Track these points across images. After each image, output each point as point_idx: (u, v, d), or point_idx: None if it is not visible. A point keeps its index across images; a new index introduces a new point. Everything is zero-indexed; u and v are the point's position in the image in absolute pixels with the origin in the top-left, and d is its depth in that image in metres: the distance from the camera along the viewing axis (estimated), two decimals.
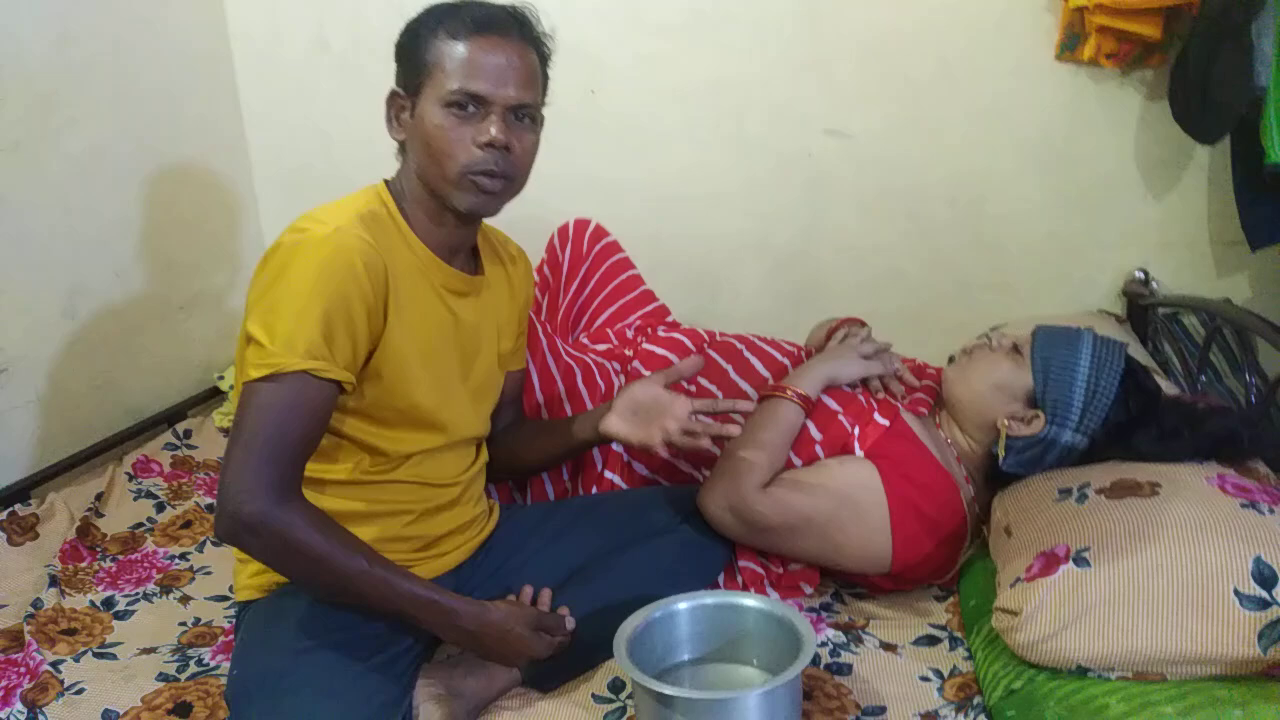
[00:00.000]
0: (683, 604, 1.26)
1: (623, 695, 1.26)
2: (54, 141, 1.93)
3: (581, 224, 1.86)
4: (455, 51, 1.21)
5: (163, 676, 1.36)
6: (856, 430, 1.48)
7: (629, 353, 1.71)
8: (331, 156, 2.39)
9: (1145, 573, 1.15)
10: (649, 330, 1.78)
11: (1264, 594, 1.11)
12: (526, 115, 1.26)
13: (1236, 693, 1.10)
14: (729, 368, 1.65)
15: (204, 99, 2.32)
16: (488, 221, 1.38)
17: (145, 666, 1.38)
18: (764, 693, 1.11)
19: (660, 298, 1.91)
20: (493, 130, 1.21)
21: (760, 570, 1.47)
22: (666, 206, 2.23)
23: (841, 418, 1.50)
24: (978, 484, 1.50)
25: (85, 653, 1.42)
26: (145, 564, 1.68)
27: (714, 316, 2.16)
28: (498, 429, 1.50)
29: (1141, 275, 2.07)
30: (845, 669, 1.30)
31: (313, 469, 1.21)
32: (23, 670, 1.36)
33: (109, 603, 1.56)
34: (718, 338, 1.73)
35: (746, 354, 1.67)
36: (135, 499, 1.89)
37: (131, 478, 1.94)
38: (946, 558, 1.45)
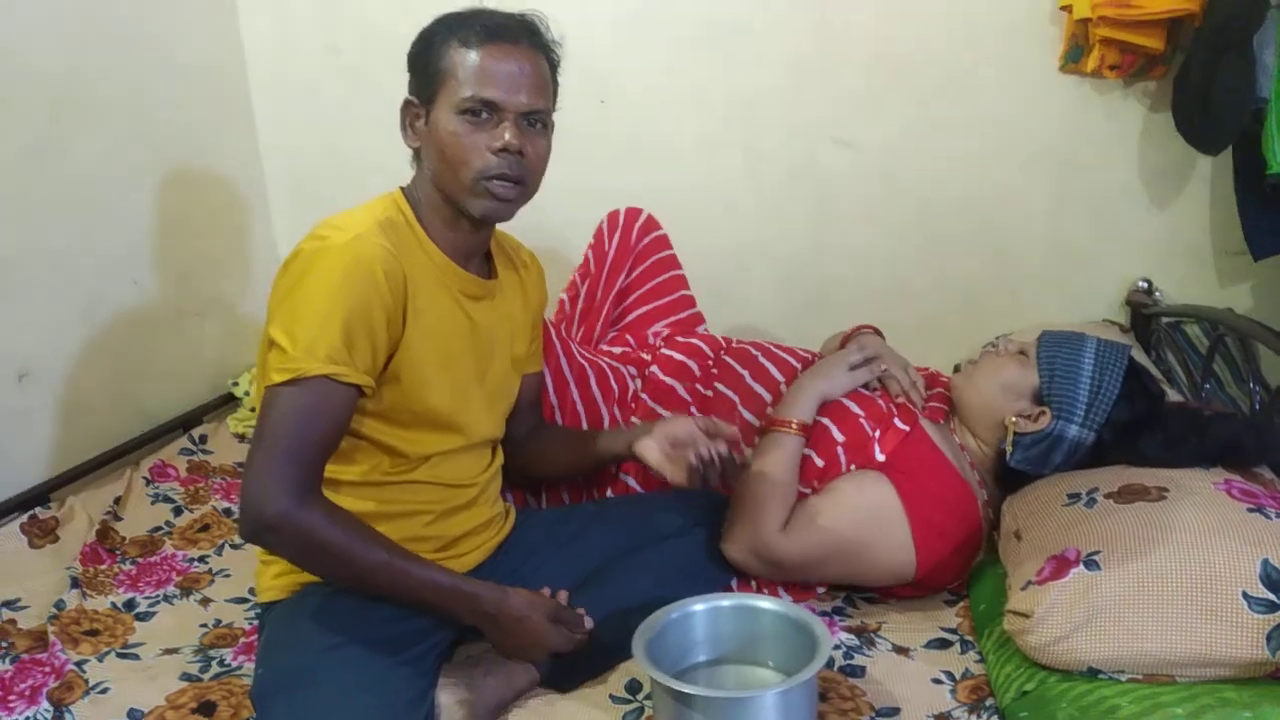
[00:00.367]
0: (699, 606, 1.28)
1: (640, 696, 1.28)
2: (70, 150, 1.95)
3: (633, 213, 1.85)
4: (468, 60, 1.24)
5: (186, 676, 1.38)
6: (877, 434, 1.51)
7: (646, 356, 1.73)
8: (342, 164, 2.41)
9: (1154, 576, 1.18)
10: (673, 337, 1.80)
11: (1272, 597, 1.13)
12: (539, 121, 1.29)
13: (1246, 695, 1.12)
14: (745, 373, 1.67)
15: (217, 106, 2.35)
16: (500, 228, 1.41)
17: (168, 667, 1.40)
18: (782, 692, 1.13)
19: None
20: (506, 136, 1.24)
21: None
22: (675, 216, 2.24)
23: (863, 421, 1.53)
24: (990, 487, 1.53)
25: (109, 653, 1.44)
26: (165, 566, 1.71)
27: (723, 326, 2.18)
28: (519, 434, 1.53)
29: (1145, 285, 2.10)
30: (859, 671, 1.32)
31: (332, 470, 1.23)
32: (48, 670, 1.38)
33: (130, 604, 1.58)
34: (734, 344, 1.75)
35: (762, 359, 1.69)
36: (153, 503, 1.91)
37: (148, 482, 1.96)
38: (965, 563, 1.48)
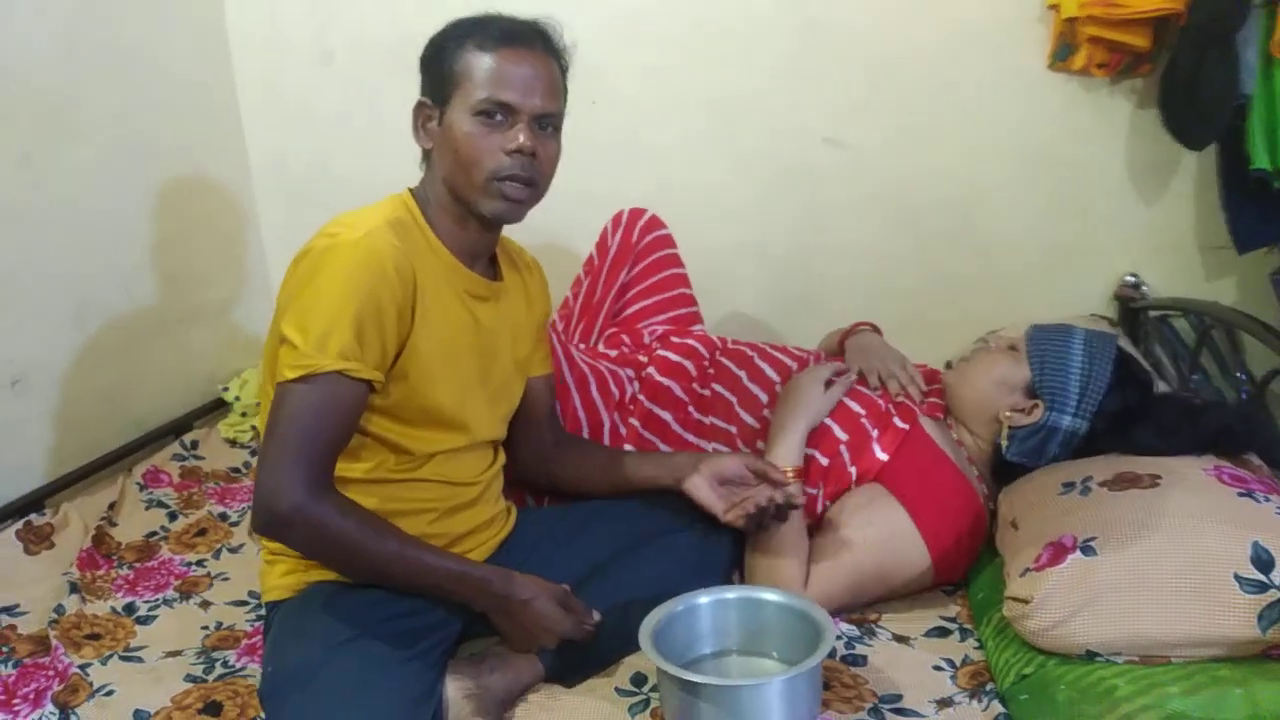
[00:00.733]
0: (704, 598, 1.29)
1: (645, 688, 1.29)
2: (62, 154, 1.95)
3: (636, 213, 1.89)
4: (484, 62, 1.26)
5: (190, 678, 1.38)
6: (876, 433, 1.53)
7: (643, 358, 1.74)
8: (333, 167, 2.41)
9: (1149, 560, 1.20)
10: (668, 336, 1.81)
11: (1262, 577, 1.16)
12: (550, 124, 1.31)
13: (1238, 672, 1.14)
14: (741, 374, 1.68)
15: (206, 111, 2.35)
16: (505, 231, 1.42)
17: (172, 669, 1.40)
18: (787, 680, 1.15)
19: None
20: (521, 138, 1.26)
21: None
22: (666, 216, 2.25)
23: (864, 420, 1.55)
24: (988, 482, 1.55)
25: (111, 656, 1.44)
26: (163, 571, 1.70)
27: (714, 325, 2.20)
28: (546, 446, 1.54)
29: (1133, 279, 2.13)
30: (860, 660, 1.34)
31: (339, 468, 1.25)
32: (51, 673, 1.38)
33: (130, 608, 1.58)
34: (729, 344, 1.76)
35: (758, 360, 1.70)
36: (147, 508, 1.90)
37: (142, 488, 1.95)
38: (973, 556, 1.50)
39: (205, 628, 1.53)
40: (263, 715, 1.27)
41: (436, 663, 1.27)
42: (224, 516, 1.89)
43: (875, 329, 1.80)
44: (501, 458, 1.49)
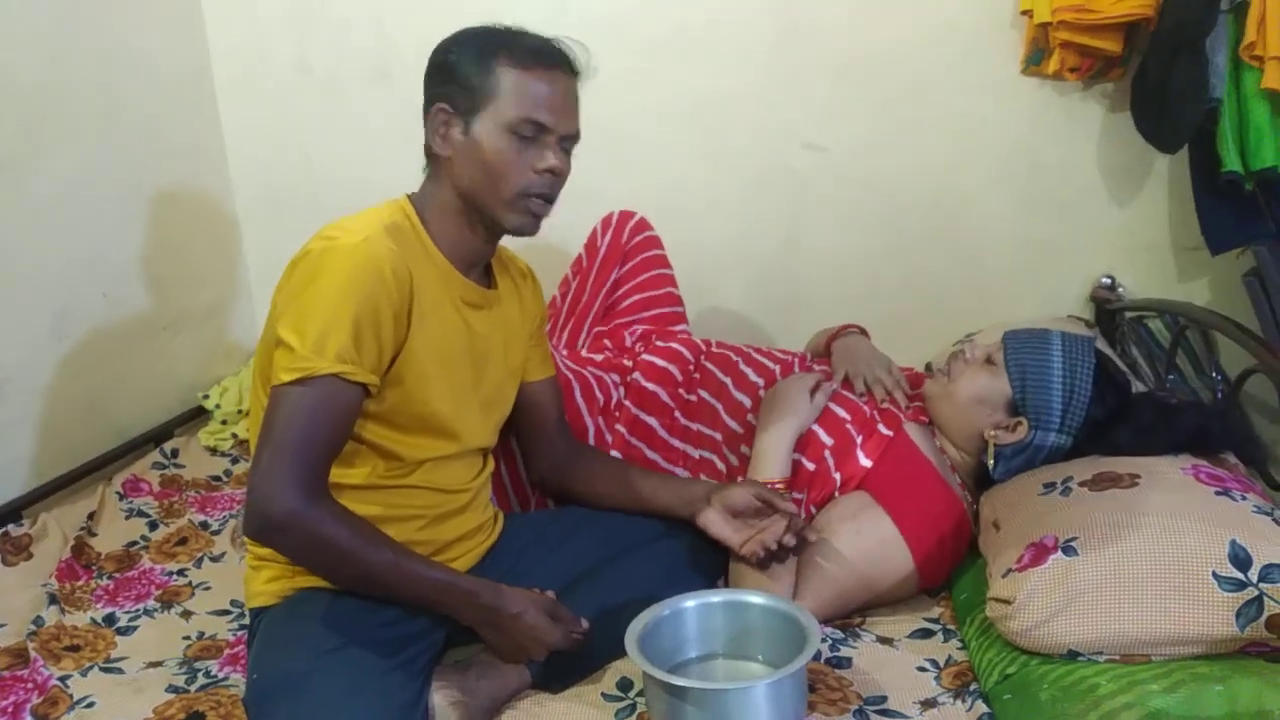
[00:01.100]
0: (690, 602, 1.30)
1: (632, 693, 1.29)
2: (41, 163, 1.93)
3: (626, 214, 1.90)
4: (519, 81, 1.27)
5: (172, 689, 1.37)
6: (860, 439, 1.53)
7: (628, 363, 1.74)
8: (313, 177, 2.41)
9: (1129, 559, 1.21)
10: (650, 338, 1.81)
11: (1240, 575, 1.17)
12: (572, 144, 1.34)
13: (1217, 669, 1.16)
14: (727, 380, 1.68)
15: (187, 121, 2.33)
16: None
17: (154, 679, 1.39)
18: (772, 683, 1.15)
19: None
20: (552, 159, 1.29)
21: None
22: (649, 217, 2.27)
23: (849, 426, 1.55)
24: (971, 489, 1.56)
25: (91, 668, 1.43)
26: (143, 581, 1.69)
27: (697, 325, 2.20)
28: (560, 456, 1.55)
29: (1108, 281, 2.15)
30: (845, 663, 1.34)
31: (331, 474, 1.24)
32: (30, 686, 1.37)
33: (110, 619, 1.57)
34: (714, 348, 1.76)
35: (742, 366, 1.70)
36: (127, 518, 1.89)
37: (122, 497, 1.94)
38: (957, 561, 1.51)
39: (187, 638, 1.52)
40: None
41: (422, 670, 1.26)
42: (205, 525, 1.88)
43: (863, 331, 1.80)
44: (490, 466, 1.49)
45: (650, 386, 1.69)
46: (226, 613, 1.59)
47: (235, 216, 2.48)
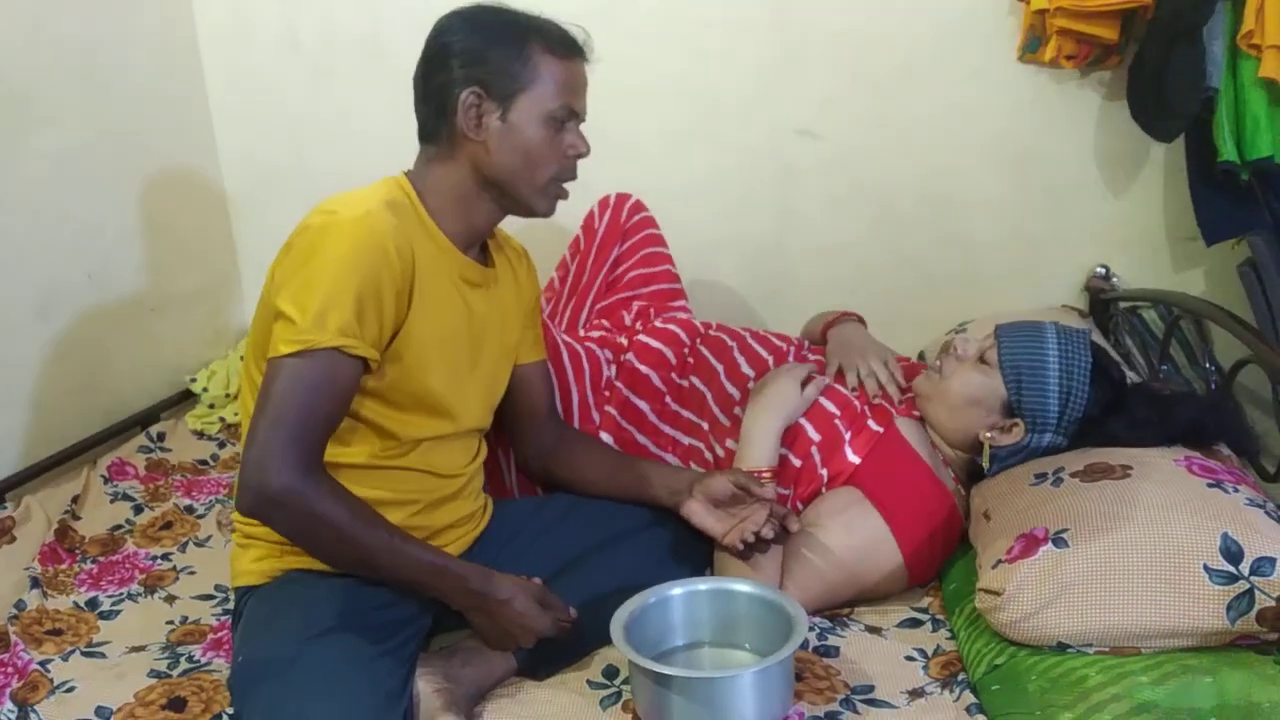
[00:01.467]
0: (677, 590, 1.29)
1: (617, 681, 1.28)
2: (25, 142, 1.91)
3: (623, 196, 1.91)
4: (557, 69, 1.30)
5: (154, 674, 1.35)
6: (849, 435, 1.51)
7: (623, 341, 1.73)
8: (303, 157, 2.38)
9: (1120, 551, 1.20)
10: (649, 315, 1.81)
11: (1231, 569, 1.17)
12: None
13: (1206, 661, 1.16)
14: (719, 368, 1.66)
15: (174, 100, 2.31)
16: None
17: (136, 664, 1.38)
18: (758, 671, 1.14)
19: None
20: (584, 144, 1.34)
21: None
22: None
23: (837, 422, 1.53)
24: (964, 482, 1.54)
25: (73, 652, 1.41)
26: (127, 565, 1.67)
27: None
28: (549, 441, 1.54)
29: (1103, 271, 2.14)
30: (833, 651, 1.33)
31: (328, 453, 1.22)
32: (10, 670, 1.35)
33: (93, 603, 1.55)
34: (711, 331, 1.74)
35: (736, 354, 1.68)
36: (112, 501, 1.87)
37: (107, 480, 1.92)
38: (946, 556, 1.50)
39: (170, 622, 1.50)
40: (229, 709, 1.25)
41: (409, 657, 1.25)
42: (190, 509, 1.86)
43: (860, 320, 1.78)
44: (484, 452, 1.48)
45: (643, 369, 1.67)
46: (210, 597, 1.58)
47: (224, 197, 2.46)
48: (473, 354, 1.38)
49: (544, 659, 1.31)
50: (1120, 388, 1.49)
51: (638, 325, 1.78)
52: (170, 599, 1.58)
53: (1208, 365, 1.86)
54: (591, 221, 1.92)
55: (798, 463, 1.52)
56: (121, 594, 1.59)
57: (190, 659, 1.40)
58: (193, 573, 1.66)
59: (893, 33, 2.10)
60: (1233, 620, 1.16)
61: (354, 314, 1.18)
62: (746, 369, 1.66)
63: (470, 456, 1.43)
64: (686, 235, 2.26)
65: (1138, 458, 1.35)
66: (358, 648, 1.19)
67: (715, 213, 2.27)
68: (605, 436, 1.62)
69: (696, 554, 1.47)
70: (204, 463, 2.06)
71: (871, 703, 1.23)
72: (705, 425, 1.63)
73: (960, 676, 1.28)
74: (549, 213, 1.37)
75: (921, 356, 1.96)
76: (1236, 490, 1.28)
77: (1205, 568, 1.17)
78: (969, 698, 1.23)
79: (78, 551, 1.70)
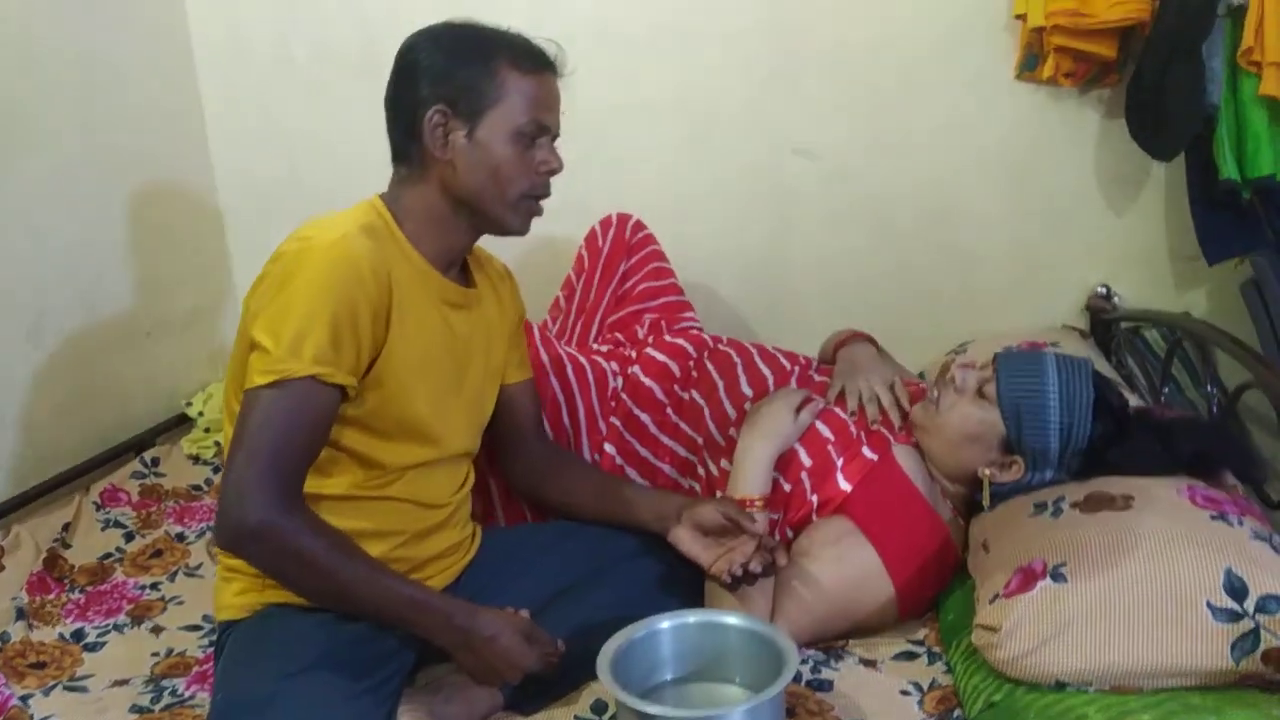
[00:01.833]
0: (665, 623, 1.26)
1: (605, 716, 1.26)
2: (17, 163, 1.90)
3: (624, 216, 1.94)
4: (525, 84, 1.28)
5: (136, 708, 1.34)
6: (841, 462, 1.48)
7: (632, 354, 1.73)
8: (299, 175, 2.37)
9: (1121, 587, 1.17)
10: (660, 328, 1.82)
11: (1235, 606, 1.13)
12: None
13: (1210, 700, 1.12)
14: (720, 384, 1.65)
15: (168, 118, 2.30)
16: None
17: (118, 699, 1.36)
18: (748, 710, 1.12)
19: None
20: (555, 159, 1.31)
21: None
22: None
23: (830, 448, 1.50)
24: (961, 513, 1.51)
25: (55, 686, 1.40)
26: (115, 595, 1.66)
27: None
28: (538, 461, 1.52)
29: (1104, 290, 2.12)
30: (826, 685, 1.31)
31: (309, 484, 1.21)
32: None
33: (78, 634, 1.54)
34: (720, 345, 1.73)
35: (740, 371, 1.66)
36: (103, 529, 1.85)
37: (99, 507, 1.91)
38: (939, 590, 1.47)
39: (155, 654, 1.49)
40: None
41: (392, 694, 1.23)
42: (181, 537, 1.85)
43: (871, 341, 1.75)
44: (471, 479, 1.46)
45: (646, 381, 1.67)
46: (197, 628, 1.56)
47: (220, 219, 2.45)
48: (457, 376, 1.36)
49: (531, 694, 1.28)
50: (1123, 418, 1.45)
51: (649, 339, 1.78)
52: (157, 630, 1.56)
53: (1210, 388, 1.83)
54: (595, 240, 1.93)
55: (788, 487, 1.49)
56: (108, 625, 1.57)
57: (174, 693, 1.38)
58: (181, 603, 1.64)
59: (889, 50, 2.08)
60: (1237, 660, 1.12)
61: (329, 341, 1.16)
62: (746, 389, 1.64)
63: (457, 484, 1.41)
64: (685, 251, 2.24)
65: (1139, 487, 1.32)
66: (338, 685, 1.17)
67: (711, 232, 2.25)
68: (609, 447, 1.61)
69: (687, 584, 1.43)
70: (197, 488, 2.04)
71: None
72: (700, 440, 1.62)
73: (956, 713, 1.24)
74: (523, 230, 1.34)
75: (922, 376, 1.93)
76: (1241, 523, 1.24)
77: (1208, 605, 1.13)
78: None
79: (66, 581, 1.69)
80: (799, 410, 1.52)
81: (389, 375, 1.25)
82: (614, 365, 1.69)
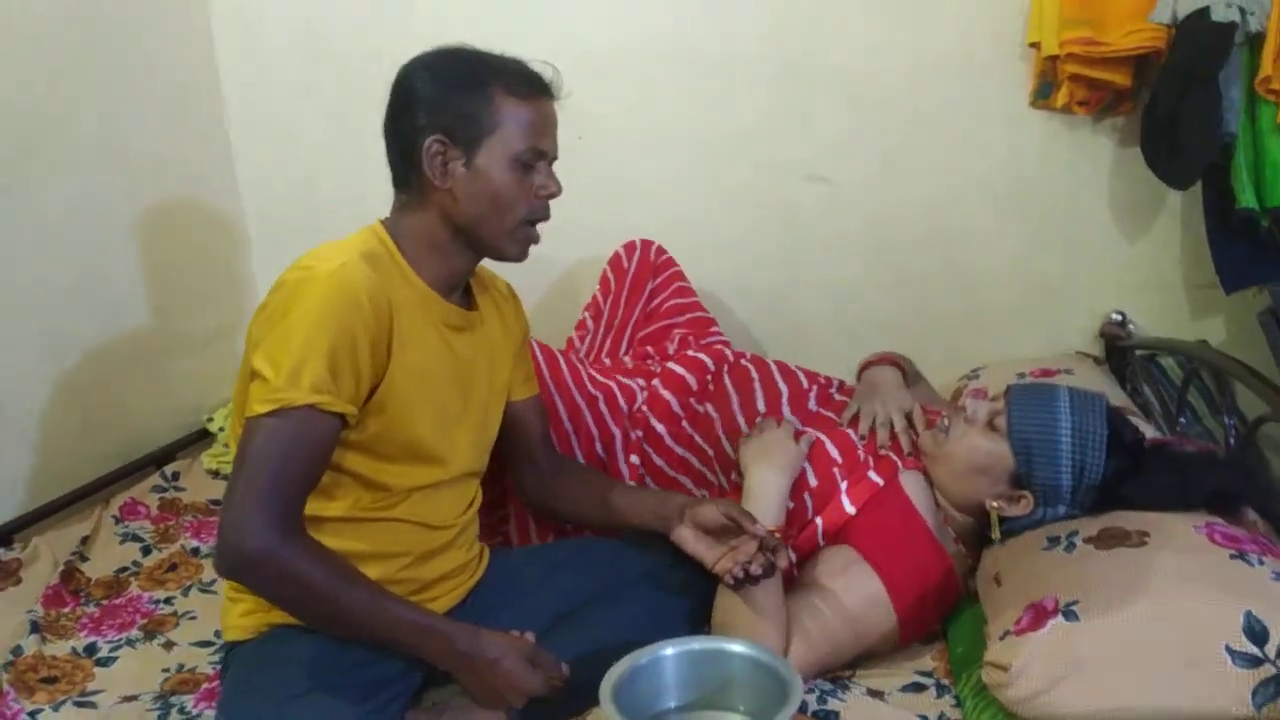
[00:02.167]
0: (669, 650, 1.25)
1: None
2: (42, 186, 1.93)
3: (647, 241, 2.02)
4: (521, 111, 1.28)
5: None
6: (845, 485, 1.48)
7: (655, 367, 1.77)
8: (321, 194, 2.40)
9: (1135, 627, 1.15)
10: (690, 341, 1.88)
11: (1256, 651, 1.10)
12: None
13: None
14: (735, 398, 1.68)
15: (193, 143, 2.33)
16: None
17: (126, 715, 1.37)
18: None
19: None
20: (554, 184, 1.32)
21: None
22: None
23: (835, 470, 1.50)
24: (968, 545, 1.49)
25: (65, 701, 1.41)
26: (129, 609, 1.67)
27: None
28: (546, 473, 1.54)
29: (1119, 317, 2.10)
30: (832, 716, 1.29)
31: (311, 506, 1.22)
32: None
33: (91, 649, 1.55)
34: (743, 361, 1.77)
35: (756, 385, 1.70)
36: (122, 542, 1.87)
37: (118, 521, 1.92)
38: (939, 618, 1.46)
39: (166, 670, 1.50)
40: None
41: (395, 715, 1.24)
42: (197, 551, 1.86)
43: (897, 364, 1.74)
44: (479, 500, 1.47)
45: (665, 394, 1.71)
46: (209, 644, 1.56)
47: (245, 238, 2.47)
48: (461, 398, 1.37)
49: (535, 717, 1.28)
50: (1138, 453, 1.42)
51: (674, 349, 1.84)
52: (169, 645, 1.57)
53: (1228, 419, 1.81)
54: (620, 262, 2.00)
55: (790, 505, 1.49)
56: (120, 640, 1.58)
57: (182, 710, 1.39)
58: (194, 618, 1.65)
59: (903, 79, 2.08)
60: (1258, 707, 1.08)
61: (328, 370, 1.17)
62: (760, 404, 1.66)
63: (464, 505, 1.41)
64: (695, 280, 2.25)
65: (1156, 523, 1.29)
66: (340, 708, 1.18)
67: (722, 258, 2.24)
68: (634, 458, 1.65)
69: (692, 609, 1.43)
70: (216, 503, 2.05)
71: None
72: (711, 452, 1.64)
73: None
74: (520, 257, 1.35)
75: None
76: (1262, 562, 1.21)
77: (1228, 649, 1.11)
78: None
79: (82, 594, 1.70)
80: (797, 437, 1.54)
81: (391, 400, 1.26)
82: (639, 381, 1.73)
